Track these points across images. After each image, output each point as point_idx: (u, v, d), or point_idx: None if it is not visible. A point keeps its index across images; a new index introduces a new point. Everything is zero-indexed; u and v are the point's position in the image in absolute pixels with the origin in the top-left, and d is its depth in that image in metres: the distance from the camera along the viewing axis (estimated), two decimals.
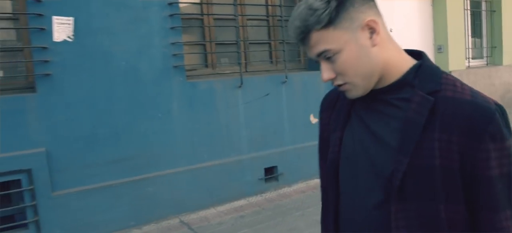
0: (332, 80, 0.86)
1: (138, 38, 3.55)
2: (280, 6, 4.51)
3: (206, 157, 3.93)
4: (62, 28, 3.22)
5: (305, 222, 3.47)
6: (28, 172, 3.11)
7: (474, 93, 0.82)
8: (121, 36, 3.47)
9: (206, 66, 4.20)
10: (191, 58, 4.06)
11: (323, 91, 4.69)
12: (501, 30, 6.96)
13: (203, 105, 3.89)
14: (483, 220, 0.82)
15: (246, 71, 4.32)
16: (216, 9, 4.20)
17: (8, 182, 3.12)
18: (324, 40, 0.82)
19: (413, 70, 0.85)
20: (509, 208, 0.81)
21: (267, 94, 4.31)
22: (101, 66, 3.39)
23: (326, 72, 0.85)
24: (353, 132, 0.92)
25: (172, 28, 3.69)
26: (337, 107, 0.98)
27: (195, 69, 4.07)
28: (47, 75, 3.17)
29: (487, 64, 7.06)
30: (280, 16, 4.52)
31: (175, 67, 3.73)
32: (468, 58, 6.60)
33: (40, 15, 3.13)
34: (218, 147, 4.00)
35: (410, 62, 0.87)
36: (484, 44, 7.09)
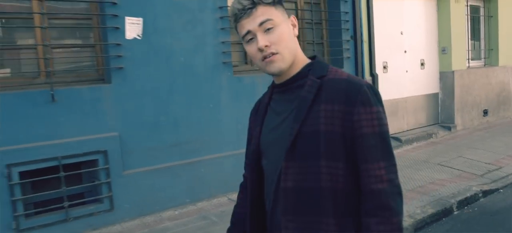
0: (266, 48, 1.04)
1: (195, 37, 4.02)
2: (310, 11, 5.02)
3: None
4: (132, 28, 3.67)
5: None
6: (104, 153, 3.56)
7: (349, 75, 1.07)
8: (181, 35, 3.93)
9: (246, 62, 4.68)
10: (236, 56, 4.54)
11: None
12: (497, 34, 7.60)
13: (246, 97, 4.37)
14: (361, 171, 0.99)
15: None
16: None
17: (83, 162, 3.56)
18: (268, 13, 1.04)
19: (309, 65, 1.11)
20: (382, 160, 0.99)
21: None
22: (163, 62, 3.85)
23: (262, 41, 1.03)
24: (268, 122, 1.14)
25: (222, 28, 4.17)
26: (259, 110, 1.20)
27: (237, 66, 4.55)
28: (120, 68, 3.62)
29: (484, 65, 7.69)
30: (302, 19, 5.02)
31: (224, 63, 4.22)
32: (468, 59, 7.21)
33: (115, 15, 3.57)
34: None
35: (307, 60, 1.13)
36: (482, 47, 7.72)
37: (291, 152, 1.02)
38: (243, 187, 1.29)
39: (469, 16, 7.22)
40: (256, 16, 1.03)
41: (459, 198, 3.79)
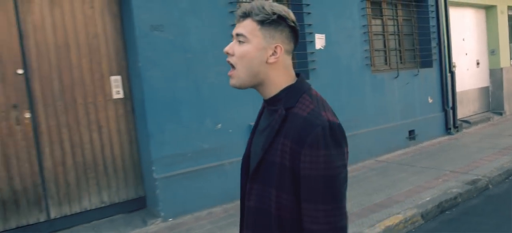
0: (228, 55, 1.09)
1: (350, 47, 5.76)
2: (407, 25, 6.80)
3: (380, 122, 6.15)
4: (319, 41, 5.40)
5: (436, 161, 5.70)
6: None
7: (312, 111, 1.02)
8: (343, 46, 5.67)
9: (386, 64, 6.43)
10: (375, 59, 6.28)
11: (435, 80, 7.04)
12: None
13: (380, 88, 6.11)
14: (302, 209, 1.02)
15: (398, 68, 6.58)
16: (390, 29, 6.45)
17: None
18: (249, 29, 1.06)
19: (285, 90, 1.09)
20: (321, 203, 0.98)
21: (407, 83, 6.57)
22: (335, 64, 5.57)
23: (229, 46, 1.09)
24: (256, 134, 1.20)
25: (365, 40, 5.92)
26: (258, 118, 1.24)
27: (374, 66, 6.30)
28: (314, 69, 5.33)
29: None
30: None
31: (366, 65, 5.95)
32: (510, 58, 9.03)
33: (310, 33, 5.28)
34: (385, 116, 6.23)
35: (284, 84, 1.10)
36: None
37: (255, 175, 1.09)
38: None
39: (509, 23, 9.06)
40: (240, 26, 1.08)
41: None
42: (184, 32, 4.15)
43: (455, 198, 4.06)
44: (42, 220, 3.71)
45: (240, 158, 1.25)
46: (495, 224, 3.57)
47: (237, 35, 1.08)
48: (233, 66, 1.09)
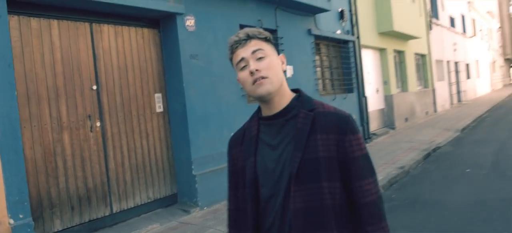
0: (256, 72, 1.17)
1: (306, 75, 7.52)
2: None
3: None
4: (289, 71, 7.01)
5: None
6: None
7: (335, 108, 1.23)
8: (301, 74, 7.39)
9: None
10: (320, 85, 8.13)
11: (356, 102, 9.32)
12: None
13: None
14: (354, 188, 1.17)
15: (335, 92, 8.59)
16: (325, 63, 8.42)
17: None
18: (260, 45, 1.20)
19: (296, 98, 1.24)
20: (370, 176, 1.19)
21: (339, 104, 8.67)
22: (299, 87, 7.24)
23: (254, 65, 1.17)
24: (262, 155, 1.23)
25: (314, 71, 7.78)
26: (245, 142, 1.28)
27: (320, 90, 8.15)
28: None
29: (402, 91, 12.80)
30: None
31: (316, 89, 7.79)
32: (397, 87, 12.12)
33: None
34: None
35: (292, 94, 1.26)
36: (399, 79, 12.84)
37: (297, 177, 1.15)
38: (233, 222, 1.33)
39: (396, 61, 12.21)
40: (249, 46, 1.19)
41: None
42: (210, 60, 5.31)
43: (395, 177, 6.03)
44: (107, 214, 4.35)
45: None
46: (428, 186, 5.58)
47: (254, 52, 1.18)
48: (263, 78, 1.17)
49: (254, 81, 1.17)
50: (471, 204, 4.63)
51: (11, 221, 3.28)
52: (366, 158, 1.20)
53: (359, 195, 1.16)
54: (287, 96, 1.23)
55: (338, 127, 1.17)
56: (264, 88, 1.17)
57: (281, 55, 1.25)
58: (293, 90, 1.27)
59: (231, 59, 1.24)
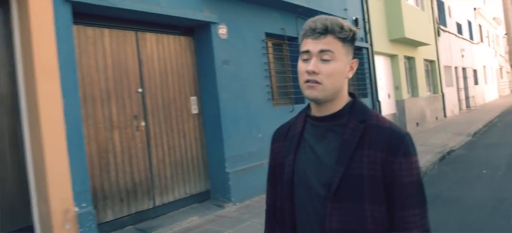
0: (313, 73, 1.08)
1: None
2: None
3: None
4: None
5: None
6: None
7: (391, 123, 1.11)
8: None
9: None
10: None
11: (370, 106, 9.69)
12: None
13: None
14: (397, 217, 1.05)
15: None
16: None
17: None
18: (333, 45, 1.07)
19: (349, 105, 1.14)
20: (417, 207, 1.05)
21: None
22: None
23: (313, 66, 1.07)
24: (303, 155, 1.15)
25: None
26: (289, 138, 1.21)
27: None
28: None
29: (412, 96, 13.12)
30: None
31: None
32: (408, 92, 12.45)
33: None
34: None
35: (348, 99, 1.16)
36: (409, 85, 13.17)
37: (336, 194, 1.06)
38: (271, 218, 1.28)
39: (406, 67, 12.55)
40: (321, 43, 1.07)
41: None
42: (240, 66, 5.70)
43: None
44: (150, 207, 4.71)
45: None
46: (453, 182, 5.88)
47: (322, 51, 1.07)
48: (316, 82, 1.08)
49: (307, 81, 1.09)
50: (491, 200, 4.92)
51: (76, 208, 3.65)
52: (417, 185, 1.07)
53: (400, 227, 1.06)
54: (342, 101, 1.14)
55: (389, 146, 1.06)
56: (312, 93, 1.09)
57: (354, 60, 1.15)
58: (349, 94, 1.18)
59: (300, 41, 1.15)
